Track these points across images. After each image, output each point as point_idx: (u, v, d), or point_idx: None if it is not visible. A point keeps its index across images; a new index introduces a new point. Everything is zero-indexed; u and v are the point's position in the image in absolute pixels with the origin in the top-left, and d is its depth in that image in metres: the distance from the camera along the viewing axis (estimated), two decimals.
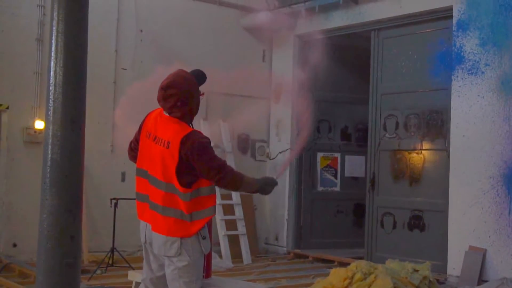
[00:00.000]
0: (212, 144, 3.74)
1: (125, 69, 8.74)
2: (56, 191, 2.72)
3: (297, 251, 9.80)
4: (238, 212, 9.30)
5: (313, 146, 10.11)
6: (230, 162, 9.46)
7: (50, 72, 2.89)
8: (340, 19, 9.35)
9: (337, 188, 10.20)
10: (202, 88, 3.85)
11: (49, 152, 2.82)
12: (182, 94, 3.66)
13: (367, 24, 9.09)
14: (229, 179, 3.67)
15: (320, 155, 10.15)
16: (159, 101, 3.72)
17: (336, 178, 10.22)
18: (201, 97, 3.81)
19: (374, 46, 9.07)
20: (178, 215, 3.61)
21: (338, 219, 10.20)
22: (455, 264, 7.57)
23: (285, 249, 9.93)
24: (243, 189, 3.83)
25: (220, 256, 8.75)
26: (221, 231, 8.98)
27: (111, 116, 8.54)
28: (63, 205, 2.69)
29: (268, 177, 4.01)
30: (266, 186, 3.91)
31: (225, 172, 3.64)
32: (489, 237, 7.30)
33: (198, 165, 3.58)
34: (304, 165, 10.10)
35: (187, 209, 3.59)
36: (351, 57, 10.24)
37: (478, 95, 7.52)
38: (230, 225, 9.17)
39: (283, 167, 4.09)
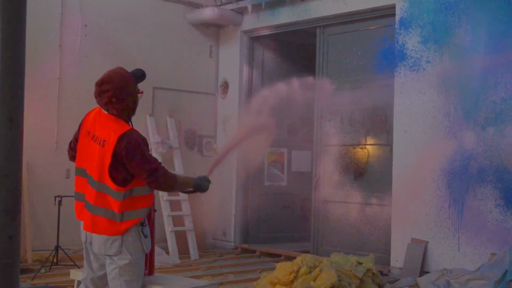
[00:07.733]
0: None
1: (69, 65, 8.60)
2: None
3: (245, 246, 9.85)
4: (185, 208, 9.26)
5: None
6: (177, 157, 9.45)
7: None
8: (286, 16, 9.44)
9: (284, 183, 10.28)
10: (141, 86, 3.83)
11: None
12: (117, 90, 3.62)
13: (312, 21, 9.19)
14: (162, 181, 3.63)
15: (267, 150, 10.20)
16: (95, 97, 3.70)
17: (283, 173, 10.30)
18: (139, 95, 3.79)
19: (320, 43, 9.18)
20: (109, 214, 3.58)
21: (285, 213, 10.29)
22: (398, 256, 7.76)
23: (232, 244, 9.96)
24: (178, 189, 3.85)
25: (167, 252, 8.72)
26: (168, 227, 8.94)
27: (55, 112, 8.39)
28: (1, 205, 2.64)
29: (201, 175, 4.01)
30: (202, 182, 3.93)
31: (158, 174, 3.60)
32: (430, 229, 7.50)
33: (131, 166, 3.55)
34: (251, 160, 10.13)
35: (119, 208, 3.55)
36: (297, 53, 10.36)
37: (419, 92, 7.71)
38: (177, 221, 9.13)
39: (213, 165, 4.09)
